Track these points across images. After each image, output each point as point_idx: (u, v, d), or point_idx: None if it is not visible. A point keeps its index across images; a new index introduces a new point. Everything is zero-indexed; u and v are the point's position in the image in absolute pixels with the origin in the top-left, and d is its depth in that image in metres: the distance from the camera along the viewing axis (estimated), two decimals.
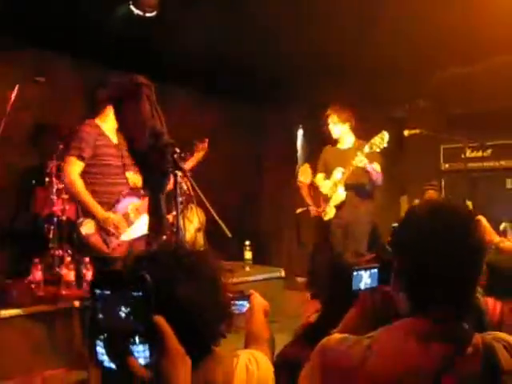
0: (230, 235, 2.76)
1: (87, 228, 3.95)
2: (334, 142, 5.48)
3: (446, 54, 5.71)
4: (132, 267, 1.28)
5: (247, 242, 6.23)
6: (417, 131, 5.27)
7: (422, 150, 5.70)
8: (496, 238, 3.00)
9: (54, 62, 5.98)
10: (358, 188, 5.20)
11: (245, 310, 2.03)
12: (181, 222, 4.22)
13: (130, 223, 4.08)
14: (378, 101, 6.17)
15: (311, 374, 1.35)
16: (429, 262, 1.32)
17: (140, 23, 5.01)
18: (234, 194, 7.65)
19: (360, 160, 4.97)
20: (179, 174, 2.73)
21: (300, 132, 8.32)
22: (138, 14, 4.80)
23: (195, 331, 1.19)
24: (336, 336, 1.39)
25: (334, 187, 5.30)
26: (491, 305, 2.94)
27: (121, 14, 4.85)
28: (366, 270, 1.88)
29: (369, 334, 1.36)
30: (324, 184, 5.43)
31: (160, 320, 0.92)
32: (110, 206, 4.01)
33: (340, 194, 5.26)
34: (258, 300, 2.03)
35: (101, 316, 0.92)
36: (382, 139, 4.95)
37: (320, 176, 5.54)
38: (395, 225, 1.61)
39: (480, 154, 6.08)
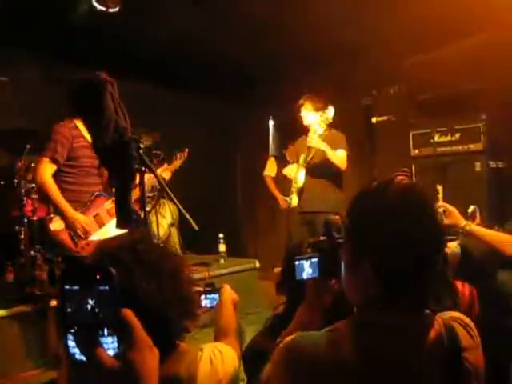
0: (197, 228, 2.76)
1: (57, 225, 3.95)
2: (307, 131, 5.48)
3: (412, 40, 5.74)
4: (97, 263, 1.32)
5: (221, 235, 6.23)
6: (385, 118, 5.31)
7: (391, 137, 5.73)
8: (462, 222, 3.05)
9: (16, 60, 5.89)
10: (320, 172, 5.18)
11: (215, 303, 2.05)
12: (152, 217, 4.24)
13: (100, 224, 4.06)
14: (346, 89, 6.19)
15: (278, 373, 1.32)
16: (391, 243, 1.28)
17: (106, 19, 4.97)
18: (209, 188, 7.64)
19: (311, 139, 4.99)
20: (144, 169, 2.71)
21: (271, 123, 8.33)
22: (100, 10, 4.76)
23: (158, 327, 1.18)
24: (297, 334, 1.38)
25: (296, 172, 5.31)
26: (460, 288, 2.99)
27: (83, 9, 4.80)
28: (307, 259, 1.84)
29: (328, 328, 1.34)
30: (290, 170, 5.45)
31: (127, 312, 0.94)
32: (82, 205, 4.00)
33: (300, 179, 5.26)
34: (228, 293, 2.05)
35: (69, 310, 0.94)
36: (327, 114, 5.00)
37: (292, 166, 5.54)
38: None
39: (449, 138, 6.14)
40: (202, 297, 2.08)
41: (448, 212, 3.09)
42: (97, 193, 4.08)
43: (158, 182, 2.86)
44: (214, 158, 7.81)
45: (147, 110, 5.50)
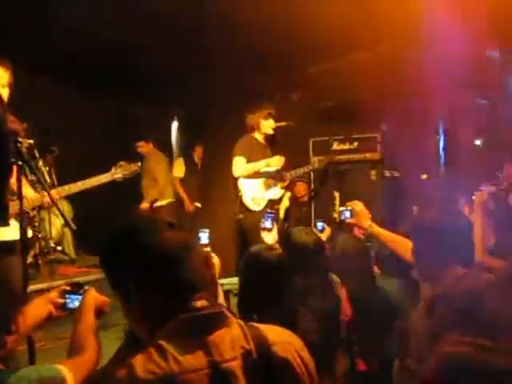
0: (74, 228, 2.64)
1: None
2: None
3: (316, 48, 5.84)
4: None
5: None
6: (284, 124, 5.34)
7: (291, 144, 5.80)
8: (366, 223, 3.10)
9: None
10: None
11: (77, 305, 1.89)
12: (45, 215, 3.96)
13: None
14: (250, 95, 6.21)
15: None
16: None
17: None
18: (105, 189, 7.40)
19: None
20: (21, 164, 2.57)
21: (174, 124, 8.24)
22: None
23: None
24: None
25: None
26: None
27: None
28: None
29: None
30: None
31: None
32: None
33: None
34: (90, 298, 1.86)
35: None
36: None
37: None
38: None
39: (347, 146, 6.32)
40: (65, 296, 1.95)
41: (354, 211, 3.16)
42: None
43: (38, 180, 2.71)
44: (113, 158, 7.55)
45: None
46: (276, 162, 5.31)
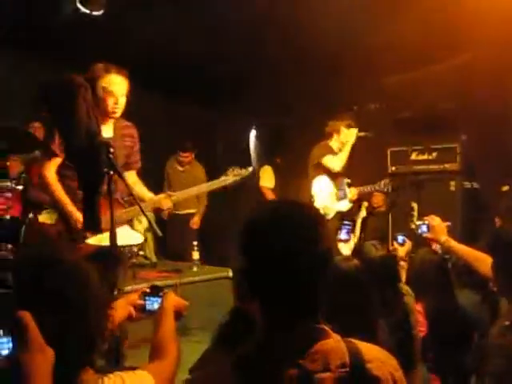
0: (160, 234, 2.77)
1: (46, 217, 3.54)
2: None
3: (393, 59, 5.82)
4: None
5: (195, 243, 6.22)
6: (362, 134, 5.38)
7: (369, 153, 5.80)
8: (442, 237, 3.09)
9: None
10: None
11: (156, 307, 1.94)
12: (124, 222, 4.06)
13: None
14: (328, 105, 6.26)
15: None
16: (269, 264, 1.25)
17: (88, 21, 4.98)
18: None
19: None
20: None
21: (253, 133, 8.34)
22: (84, 13, 4.78)
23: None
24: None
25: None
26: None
27: (67, 11, 4.82)
28: None
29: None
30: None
31: (25, 314, 0.95)
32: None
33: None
34: (170, 302, 1.90)
35: None
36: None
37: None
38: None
39: (426, 157, 6.23)
40: (144, 298, 1.98)
41: (430, 226, 3.16)
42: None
43: (128, 188, 2.86)
44: None
45: None
46: None
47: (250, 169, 4.03)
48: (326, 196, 5.44)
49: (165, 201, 3.61)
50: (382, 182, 5.58)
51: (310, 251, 1.25)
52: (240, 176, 3.89)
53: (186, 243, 6.70)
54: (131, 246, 3.71)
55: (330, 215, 5.37)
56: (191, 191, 3.86)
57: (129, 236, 3.57)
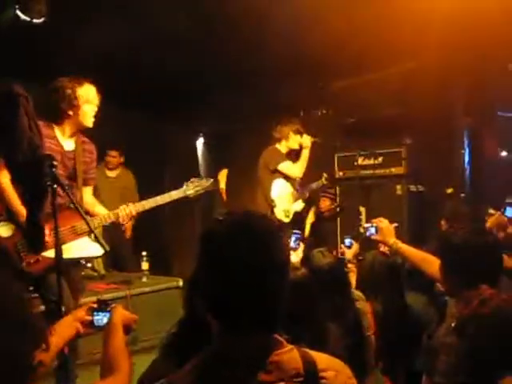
0: (107, 249, 2.71)
1: (2, 230, 3.28)
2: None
3: (338, 65, 5.89)
4: None
5: (144, 253, 6.13)
6: (312, 140, 5.45)
7: (316, 159, 5.85)
8: (391, 240, 3.14)
9: None
10: None
11: (105, 322, 1.91)
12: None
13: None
14: (274, 109, 6.28)
15: None
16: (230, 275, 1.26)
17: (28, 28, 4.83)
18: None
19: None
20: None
21: (200, 141, 8.31)
22: (24, 20, 4.62)
23: None
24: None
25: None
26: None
27: (6, 18, 4.66)
28: None
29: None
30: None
31: None
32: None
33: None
34: (119, 316, 1.87)
35: None
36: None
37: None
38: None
39: (372, 161, 6.33)
40: (92, 314, 1.95)
41: (379, 228, 3.20)
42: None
43: (71, 201, 2.79)
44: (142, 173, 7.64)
45: None
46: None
47: (211, 180, 4.06)
48: (286, 198, 5.53)
49: (122, 214, 3.59)
50: (323, 177, 5.72)
51: (266, 263, 1.26)
52: (201, 187, 3.94)
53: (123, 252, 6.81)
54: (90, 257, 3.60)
55: (290, 217, 5.52)
56: (153, 202, 3.78)
57: (88, 247, 3.52)
